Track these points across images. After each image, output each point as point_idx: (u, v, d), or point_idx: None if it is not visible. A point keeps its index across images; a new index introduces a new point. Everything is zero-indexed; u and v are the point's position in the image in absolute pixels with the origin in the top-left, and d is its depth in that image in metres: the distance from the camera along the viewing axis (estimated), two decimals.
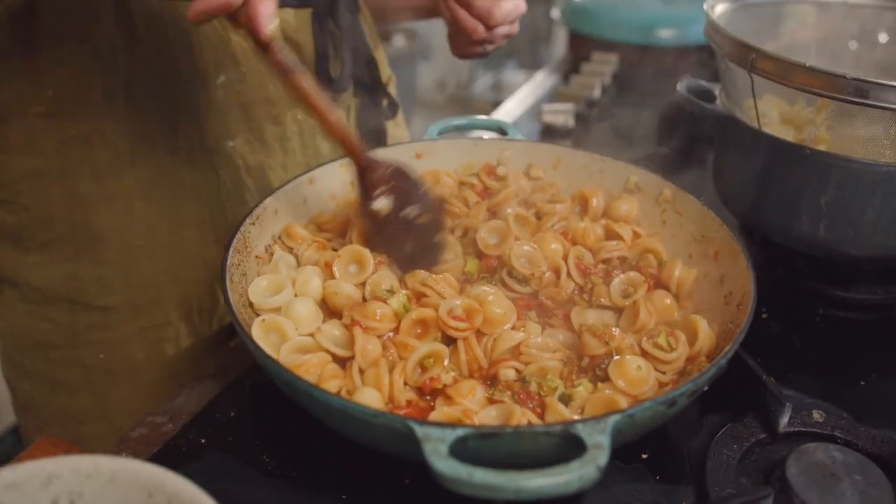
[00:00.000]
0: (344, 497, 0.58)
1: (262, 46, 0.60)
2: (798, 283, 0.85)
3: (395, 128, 1.04)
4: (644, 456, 0.62)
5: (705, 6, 0.85)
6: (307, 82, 0.64)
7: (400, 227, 0.71)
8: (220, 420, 0.66)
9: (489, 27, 0.85)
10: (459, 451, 0.44)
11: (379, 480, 0.59)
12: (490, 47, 0.89)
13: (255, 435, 0.65)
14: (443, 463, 0.42)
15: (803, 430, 0.64)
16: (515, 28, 0.89)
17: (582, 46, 1.66)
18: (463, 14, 0.85)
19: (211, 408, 0.68)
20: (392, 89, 1.01)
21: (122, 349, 0.86)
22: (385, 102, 0.98)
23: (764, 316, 0.81)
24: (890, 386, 0.73)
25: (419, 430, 0.44)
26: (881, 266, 0.84)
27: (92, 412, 0.87)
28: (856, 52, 1.00)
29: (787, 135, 0.83)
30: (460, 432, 0.44)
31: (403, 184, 0.71)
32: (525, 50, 4.68)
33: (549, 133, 1.29)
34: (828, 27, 1.00)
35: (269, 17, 0.57)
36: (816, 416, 0.66)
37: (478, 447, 0.45)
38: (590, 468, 0.42)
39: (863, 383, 0.73)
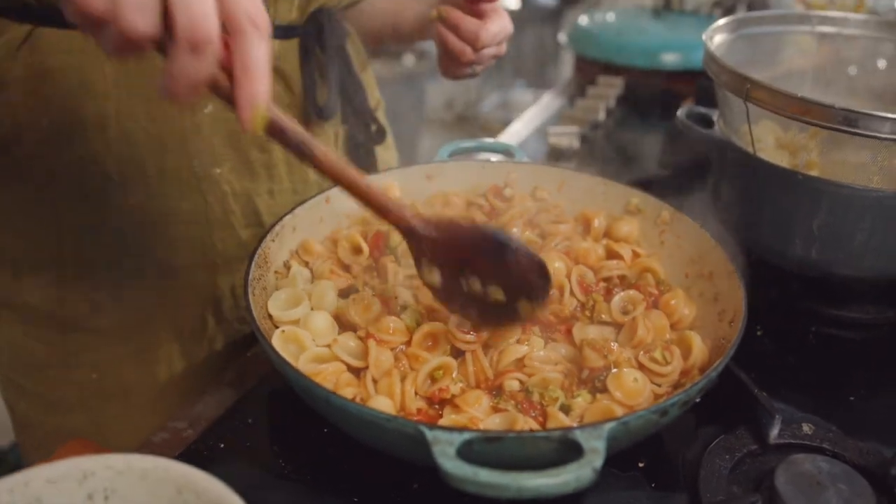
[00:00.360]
0: (356, 500, 0.61)
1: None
2: (793, 302, 0.89)
3: (385, 151, 1.06)
4: (641, 465, 0.65)
5: (704, 36, 0.89)
6: (321, 153, 0.57)
7: (459, 294, 0.64)
8: (238, 426, 0.70)
9: (476, 49, 0.88)
10: (466, 453, 0.48)
11: (389, 485, 0.63)
12: (478, 68, 0.92)
13: (271, 441, 0.68)
14: (451, 463, 0.46)
15: (793, 441, 0.67)
16: (503, 49, 0.92)
17: (588, 70, 1.71)
18: (451, 37, 0.88)
19: (229, 415, 0.71)
20: (381, 114, 1.03)
21: (114, 370, 0.88)
22: (373, 128, 0.99)
23: (759, 333, 0.85)
24: (879, 402, 0.76)
25: (429, 434, 0.48)
26: (873, 286, 0.88)
27: (87, 432, 0.89)
28: (854, 78, 1.04)
29: (782, 160, 0.86)
30: (467, 436, 0.48)
31: (459, 248, 0.62)
32: (533, 70, 4.75)
33: (555, 154, 1.33)
34: (826, 55, 1.04)
35: (253, 103, 0.49)
36: (806, 428, 0.69)
37: (483, 450, 0.48)
38: (586, 470, 0.45)
39: (852, 399, 0.76)
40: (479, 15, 0.88)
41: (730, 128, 0.88)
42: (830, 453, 0.66)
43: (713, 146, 0.89)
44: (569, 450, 0.48)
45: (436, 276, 0.63)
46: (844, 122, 0.71)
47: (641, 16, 1.83)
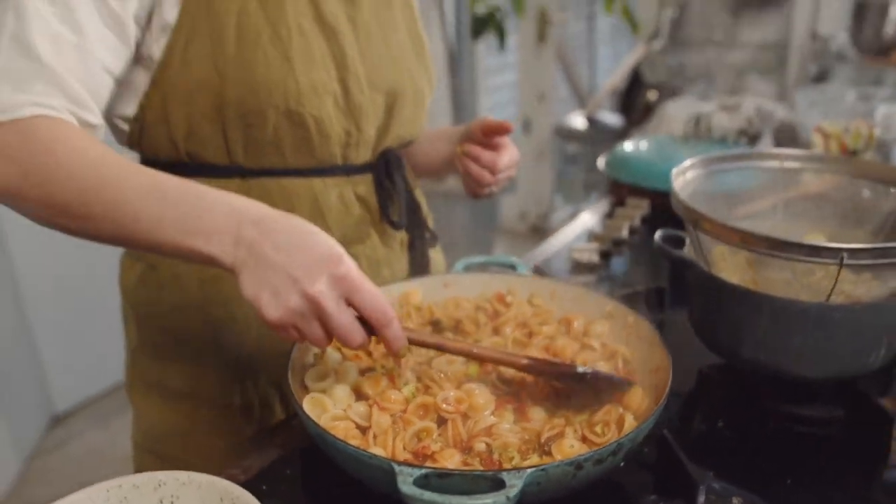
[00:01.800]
0: None
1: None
2: (755, 400, 1.02)
3: (436, 254, 1.30)
4: None
5: (673, 173, 1.08)
6: (451, 345, 0.87)
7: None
8: (278, 475, 0.89)
9: (494, 174, 1.15)
10: (424, 485, 0.66)
11: None
12: (496, 188, 1.19)
13: (302, 487, 0.88)
14: (406, 487, 0.64)
15: None
16: (513, 172, 1.19)
17: (619, 192, 1.91)
18: (474, 167, 1.15)
19: (272, 466, 0.91)
20: (430, 223, 1.28)
21: (235, 435, 1.10)
22: (428, 235, 1.25)
23: (720, 426, 0.99)
24: (812, 484, 0.87)
25: (396, 468, 0.66)
26: (823, 387, 1.00)
27: None
28: (821, 207, 1.18)
29: (744, 277, 1.02)
30: (423, 471, 0.66)
31: (554, 377, 0.89)
32: (602, 185, 5.01)
33: (576, 268, 1.52)
34: (796, 188, 1.21)
35: (397, 343, 0.81)
36: (735, 501, 0.82)
37: (438, 484, 0.66)
38: (501, 497, 0.63)
39: (789, 482, 0.88)
40: (494, 148, 1.16)
41: (696, 249, 1.06)
42: None
43: (681, 264, 1.06)
44: (498, 486, 0.65)
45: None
46: (767, 247, 0.88)
47: (672, 143, 2.04)
